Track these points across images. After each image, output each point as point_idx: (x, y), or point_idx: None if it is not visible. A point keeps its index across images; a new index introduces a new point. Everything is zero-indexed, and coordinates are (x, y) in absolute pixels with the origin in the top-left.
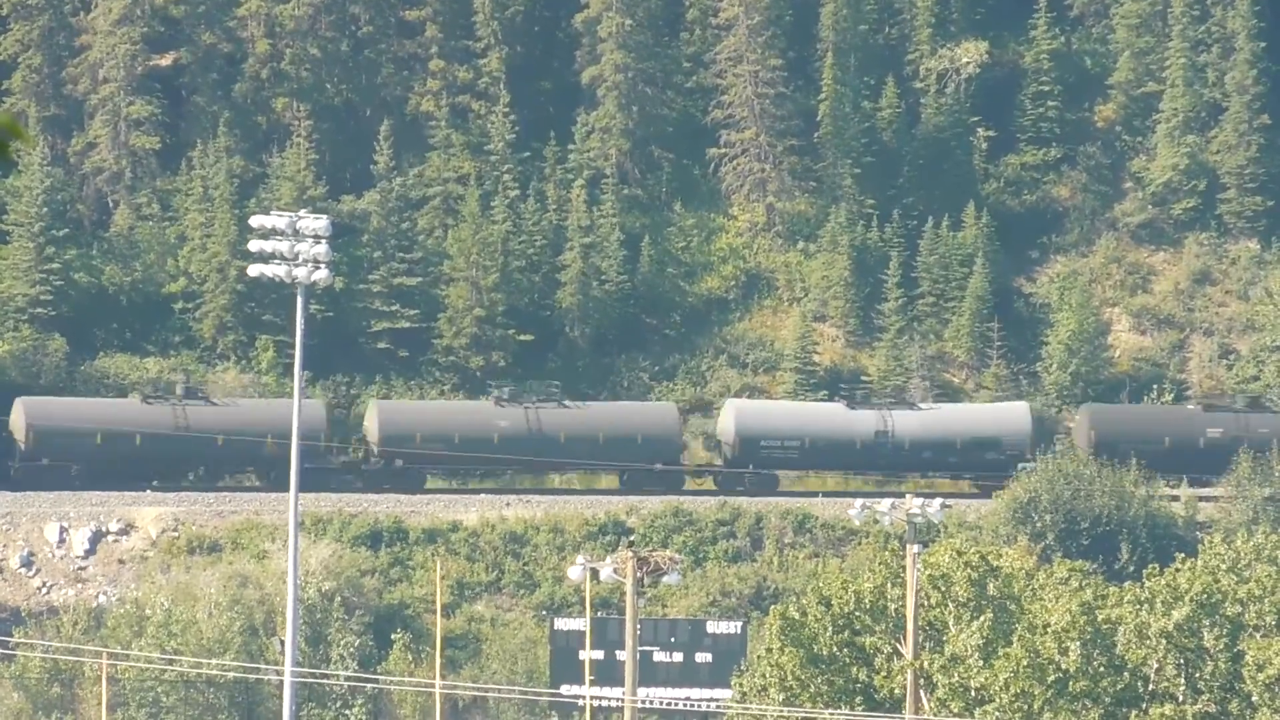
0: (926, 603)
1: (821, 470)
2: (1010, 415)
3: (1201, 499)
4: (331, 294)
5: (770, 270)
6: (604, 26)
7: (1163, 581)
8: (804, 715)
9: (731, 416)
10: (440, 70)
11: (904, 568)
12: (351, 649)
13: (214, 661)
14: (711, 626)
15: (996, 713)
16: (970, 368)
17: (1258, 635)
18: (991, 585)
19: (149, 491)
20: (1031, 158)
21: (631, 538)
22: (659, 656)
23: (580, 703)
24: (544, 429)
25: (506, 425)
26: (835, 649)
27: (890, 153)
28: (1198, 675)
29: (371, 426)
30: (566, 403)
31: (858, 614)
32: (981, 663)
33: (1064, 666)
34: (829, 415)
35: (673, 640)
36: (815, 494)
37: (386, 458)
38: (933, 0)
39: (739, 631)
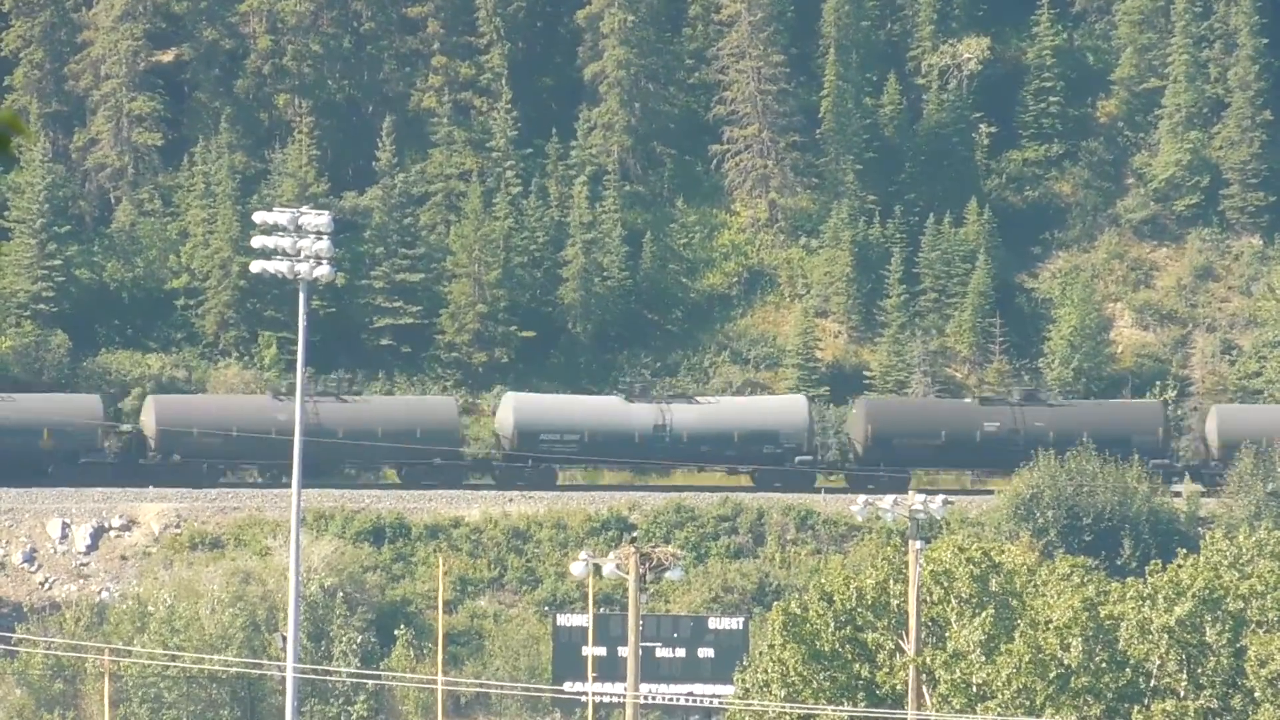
0: (929, 599)
1: (600, 463)
2: (789, 409)
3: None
4: (334, 290)
5: (772, 266)
6: (606, 22)
7: (1165, 577)
8: (806, 711)
9: (510, 410)
10: (442, 66)
11: (906, 564)
12: (354, 645)
13: (216, 658)
14: (714, 622)
15: (999, 709)
16: (972, 363)
17: (1260, 631)
18: (994, 581)
19: (151, 488)
20: (1033, 153)
21: (634, 534)
22: (661, 652)
23: (583, 699)
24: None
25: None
26: (837, 645)
27: (892, 149)
28: (1200, 671)
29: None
30: (698, 399)
31: (860, 610)
32: (984, 659)
33: (1066, 662)
34: (607, 408)
35: (675, 636)
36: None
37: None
38: None
39: (741, 627)
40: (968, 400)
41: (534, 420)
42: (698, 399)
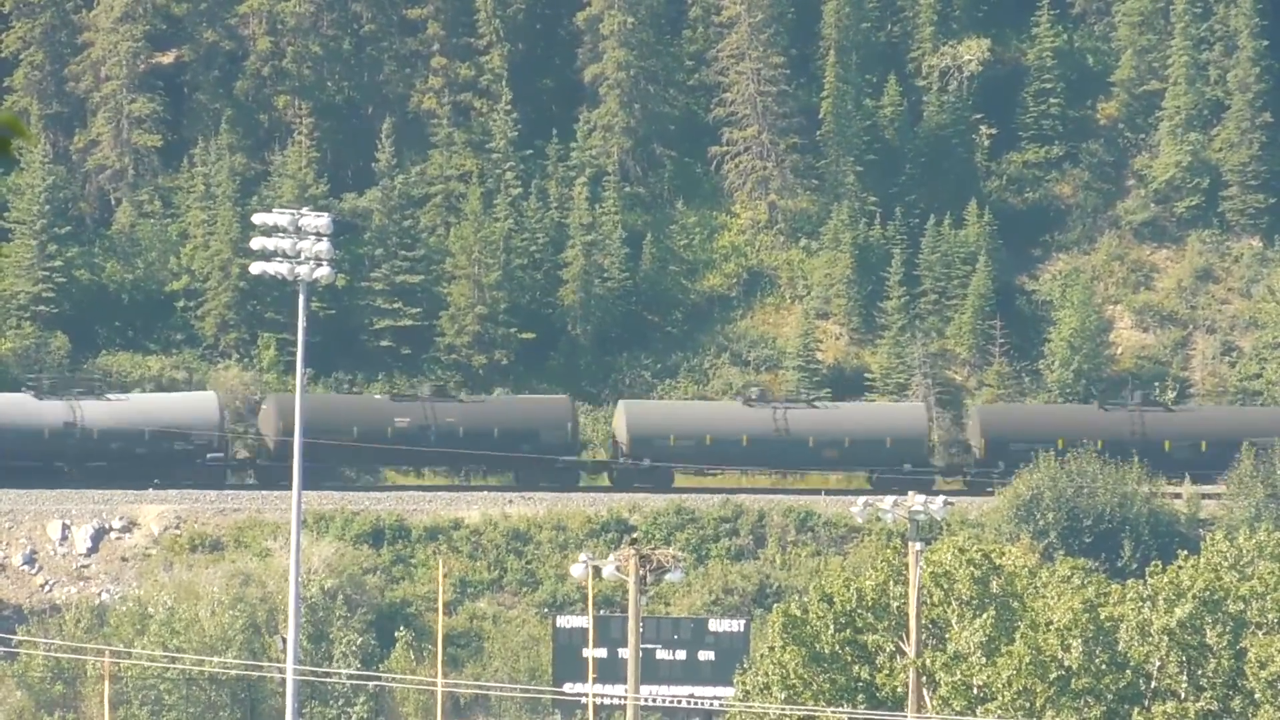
0: (929, 600)
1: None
2: (198, 405)
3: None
4: (333, 291)
5: (772, 268)
6: (606, 24)
7: (1165, 579)
8: (806, 713)
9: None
10: (442, 68)
11: (906, 565)
12: (354, 647)
13: (216, 659)
14: (714, 624)
15: (999, 710)
16: (972, 365)
17: (1260, 632)
18: (994, 583)
19: (150, 489)
20: (1034, 155)
21: (634, 535)
22: (662, 654)
23: (583, 701)
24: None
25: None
26: (837, 647)
27: (892, 150)
28: (1200, 672)
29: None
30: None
31: (860, 612)
32: (984, 660)
33: (1066, 664)
34: (15, 406)
35: (675, 638)
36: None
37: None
38: None
39: (741, 629)
40: (378, 396)
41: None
42: (108, 395)
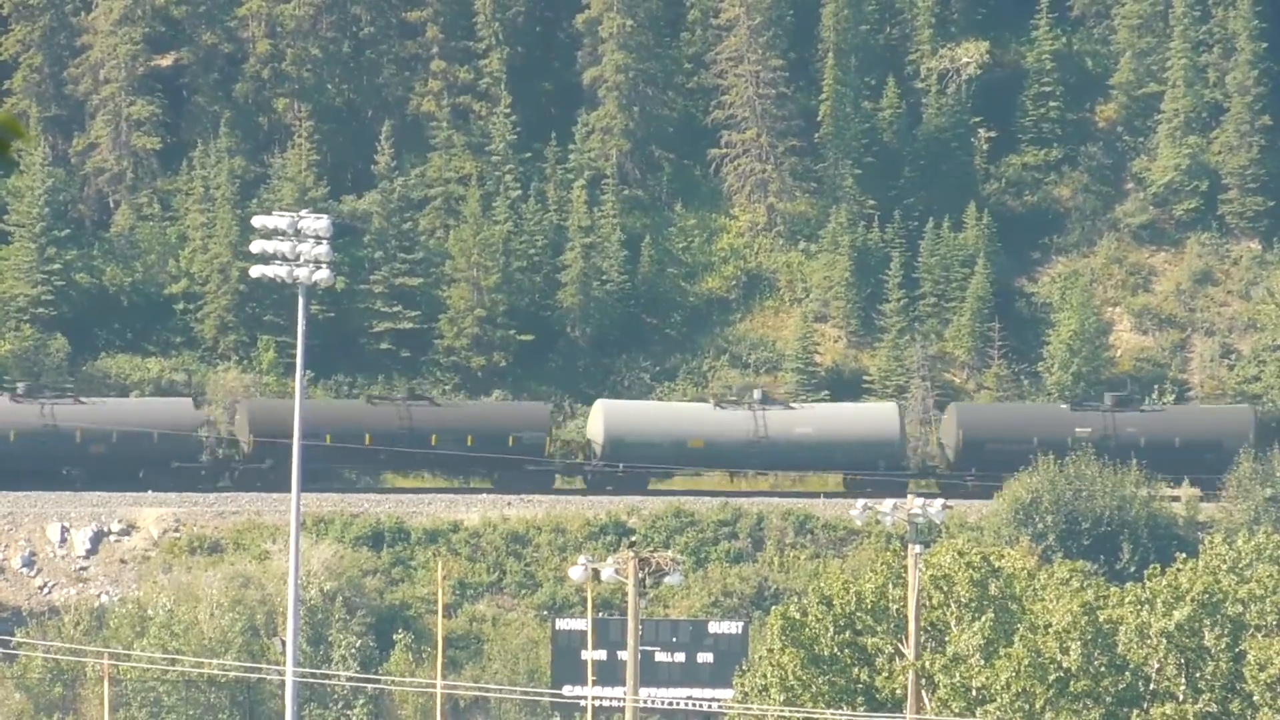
0: (928, 603)
1: None
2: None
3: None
4: (333, 294)
5: (771, 271)
6: (605, 27)
7: (1164, 582)
8: (805, 715)
9: None
10: (441, 71)
11: (905, 568)
12: (353, 649)
13: (215, 662)
14: (713, 627)
15: (998, 712)
16: (971, 368)
17: (1259, 635)
18: (993, 585)
19: (150, 492)
20: (1033, 158)
21: (633, 538)
22: (660, 657)
23: (582, 703)
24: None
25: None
26: (837, 649)
27: (891, 153)
28: (1199, 675)
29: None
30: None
31: (859, 614)
32: (983, 663)
33: (1065, 666)
34: None
35: (674, 640)
36: (817, 494)
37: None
38: (933, 1)
39: (740, 632)
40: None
41: None
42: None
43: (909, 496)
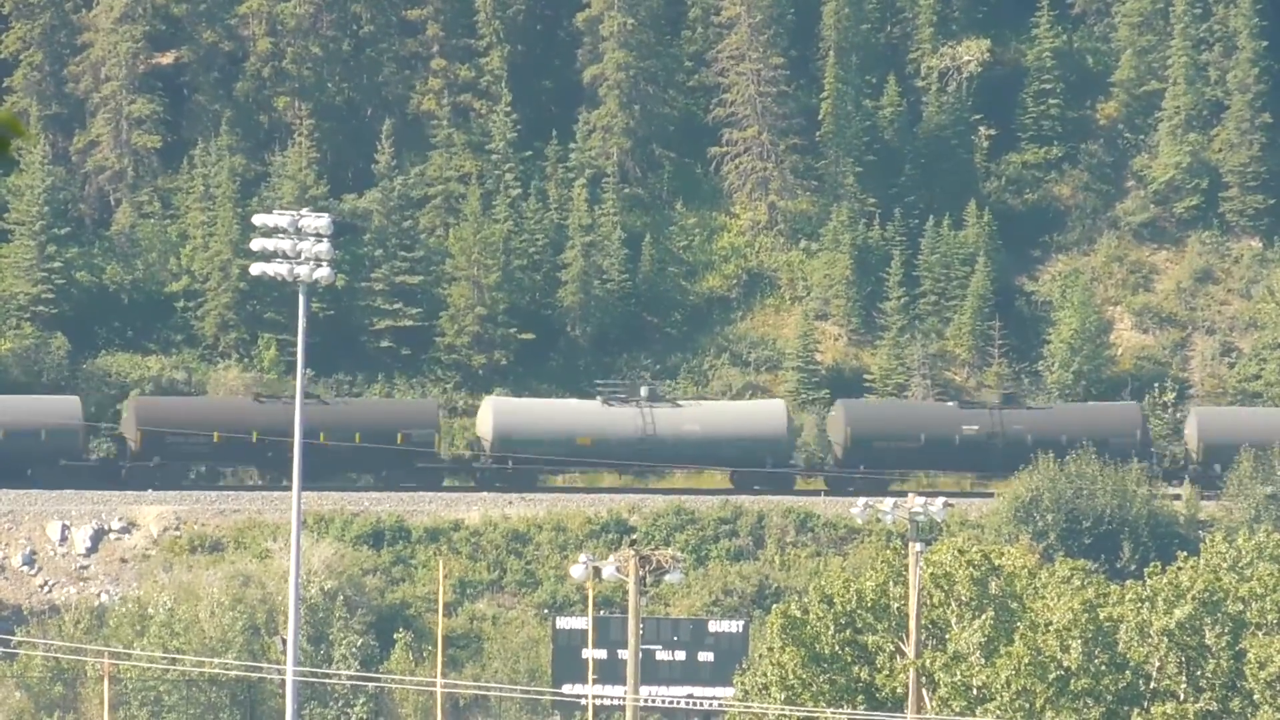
0: (929, 601)
1: None
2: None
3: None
4: (333, 292)
5: (772, 269)
6: (605, 25)
7: (1164, 580)
8: (806, 714)
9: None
10: (442, 69)
11: (906, 566)
12: (353, 648)
13: (216, 661)
14: (713, 625)
15: (998, 711)
16: (972, 366)
17: (1259, 633)
18: (994, 584)
19: (150, 490)
20: (1033, 156)
21: (633, 536)
22: (661, 655)
23: (582, 702)
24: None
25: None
26: (837, 648)
27: (892, 151)
28: (1199, 673)
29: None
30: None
31: (860, 613)
32: (983, 661)
33: (1066, 665)
34: None
35: (675, 639)
36: (818, 493)
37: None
38: None
39: (741, 630)
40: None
41: None
42: None
43: (909, 495)
